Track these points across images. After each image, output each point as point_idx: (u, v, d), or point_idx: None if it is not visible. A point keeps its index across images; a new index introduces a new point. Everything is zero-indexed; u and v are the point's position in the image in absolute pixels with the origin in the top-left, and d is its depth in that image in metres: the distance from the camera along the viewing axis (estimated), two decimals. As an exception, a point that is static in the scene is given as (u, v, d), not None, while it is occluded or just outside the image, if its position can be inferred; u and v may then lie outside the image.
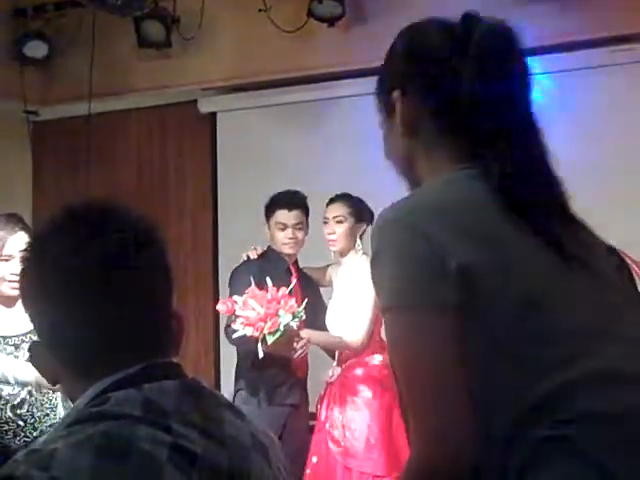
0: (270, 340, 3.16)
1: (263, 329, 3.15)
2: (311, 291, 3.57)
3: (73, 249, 1.01)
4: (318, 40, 4.63)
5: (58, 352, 1.03)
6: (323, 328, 3.48)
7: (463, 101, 1.22)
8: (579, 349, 1.15)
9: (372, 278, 1.19)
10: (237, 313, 3.21)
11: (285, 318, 3.17)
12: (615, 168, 4.24)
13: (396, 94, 1.29)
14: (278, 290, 3.22)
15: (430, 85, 1.26)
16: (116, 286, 1.01)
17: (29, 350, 1.08)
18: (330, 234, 3.50)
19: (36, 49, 5.01)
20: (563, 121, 4.35)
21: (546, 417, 1.11)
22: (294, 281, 3.46)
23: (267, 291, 3.22)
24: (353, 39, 4.63)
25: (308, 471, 3.42)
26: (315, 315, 3.45)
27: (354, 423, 3.35)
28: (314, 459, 3.42)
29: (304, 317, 3.26)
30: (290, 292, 3.34)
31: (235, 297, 3.25)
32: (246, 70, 4.88)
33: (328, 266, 3.73)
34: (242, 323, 3.18)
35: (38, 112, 5.43)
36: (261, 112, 4.99)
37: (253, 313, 3.16)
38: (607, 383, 1.15)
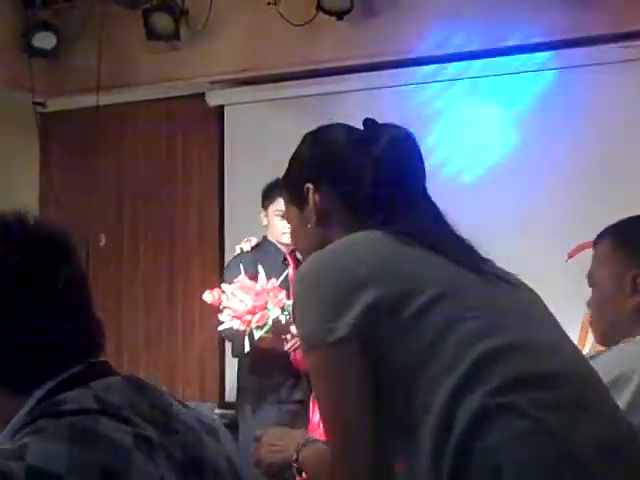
0: (257, 334, 3.06)
1: (250, 322, 3.05)
2: None
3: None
4: (327, 34, 4.61)
5: None
6: None
7: (367, 190, 1.41)
8: (497, 322, 1.29)
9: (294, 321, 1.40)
10: (224, 304, 3.11)
11: (274, 312, 3.06)
12: (626, 165, 4.22)
13: (309, 187, 1.46)
14: (269, 281, 3.11)
15: (339, 178, 1.46)
16: (38, 298, 1.02)
17: None
18: None
19: (45, 40, 5.01)
20: (575, 116, 4.33)
21: (479, 386, 1.22)
22: (287, 270, 3.38)
23: (257, 281, 3.11)
24: (362, 33, 4.61)
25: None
26: None
27: None
28: None
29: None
30: (281, 284, 3.23)
31: (224, 286, 3.15)
32: (254, 63, 4.87)
33: None
34: (229, 315, 3.08)
35: (46, 103, 5.42)
36: (269, 105, 4.98)
37: (241, 305, 3.06)
38: (527, 351, 1.27)
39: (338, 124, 1.57)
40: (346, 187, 1.45)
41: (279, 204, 3.41)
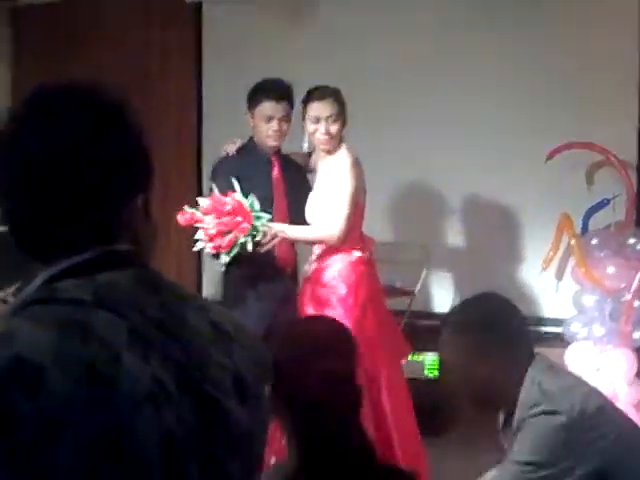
0: (224, 259, 3.16)
1: (220, 247, 3.14)
2: (297, 181, 3.51)
3: (25, 133, 0.98)
4: None
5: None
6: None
7: None
8: None
9: None
10: (196, 225, 3.18)
11: (241, 239, 3.15)
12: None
13: None
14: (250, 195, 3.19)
15: None
16: (68, 173, 0.97)
17: None
18: (324, 134, 3.31)
19: None
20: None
21: None
22: (273, 172, 3.45)
23: (228, 198, 3.16)
24: None
25: None
26: (301, 205, 3.40)
27: None
28: None
29: (263, 232, 3.17)
30: (266, 185, 3.35)
31: (200, 200, 3.22)
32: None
33: (310, 153, 3.56)
34: (202, 237, 3.17)
35: (17, -1, 5.27)
36: (248, 3, 4.87)
37: (210, 226, 3.14)
38: None
39: None
40: None
41: (265, 108, 3.40)
